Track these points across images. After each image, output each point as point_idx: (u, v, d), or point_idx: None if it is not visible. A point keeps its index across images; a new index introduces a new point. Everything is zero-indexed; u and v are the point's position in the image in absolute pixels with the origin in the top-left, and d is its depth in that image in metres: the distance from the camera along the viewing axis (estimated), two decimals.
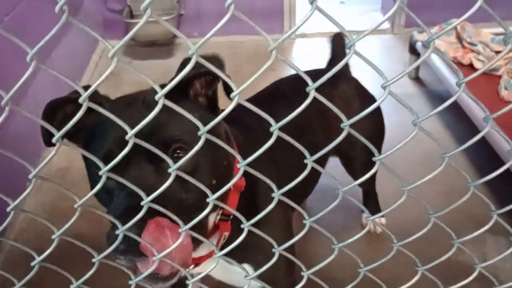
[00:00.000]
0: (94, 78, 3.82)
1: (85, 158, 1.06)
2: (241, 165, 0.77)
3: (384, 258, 0.89)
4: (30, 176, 0.76)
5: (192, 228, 0.86)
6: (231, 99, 0.99)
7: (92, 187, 1.03)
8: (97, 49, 4.12)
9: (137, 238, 0.84)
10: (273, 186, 0.82)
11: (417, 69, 3.63)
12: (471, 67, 3.06)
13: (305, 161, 0.79)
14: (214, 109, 1.09)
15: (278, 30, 4.34)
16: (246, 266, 1.23)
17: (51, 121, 1.03)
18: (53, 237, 0.83)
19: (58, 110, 1.07)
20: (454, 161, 0.80)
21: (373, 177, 2.09)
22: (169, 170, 0.77)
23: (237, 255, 1.03)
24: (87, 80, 3.73)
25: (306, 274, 0.89)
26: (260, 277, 1.03)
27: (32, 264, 0.87)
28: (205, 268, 1.02)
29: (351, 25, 4.52)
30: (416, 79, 3.63)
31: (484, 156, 2.75)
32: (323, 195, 1.98)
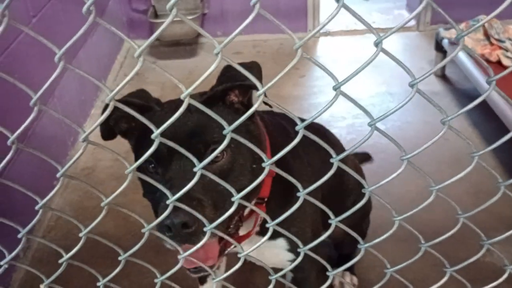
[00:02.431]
0: (119, 78, 3.86)
1: (136, 154, 1.20)
2: (266, 164, 0.78)
3: (411, 259, 0.88)
4: (58, 175, 0.77)
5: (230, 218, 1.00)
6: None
7: (140, 182, 1.15)
8: (122, 50, 4.17)
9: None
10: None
11: (443, 66, 3.57)
12: (499, 64, 3.00)
13: (332, 160, 0.79)
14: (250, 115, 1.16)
15: (302, 29, 4.33)
16: (281, 240, 1.33)
17: (107, 119, 1.17)
18: (80, 235, 0.84)
19: (115, 110, 1.14)
20: (482, 160, 0.78)
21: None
22: (194, 169, 0.78)
23: (275, 231, 1.10)
24: (112, 80, 3.78)
25: (331, 274, 0.89)
26: (293, 250, 1.25)
27: (60, 261, 0.88)
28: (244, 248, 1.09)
29: (376, 23, 4.49)
30: (442, 76, 3.58)
31: None
32: None
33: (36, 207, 0.81)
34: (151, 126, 0.75)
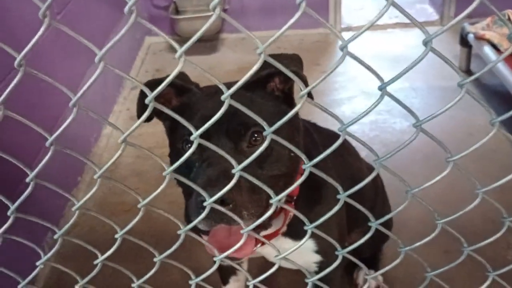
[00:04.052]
0: (141, 74, 3.87)
1: (170, 135, 1.22)
2: (306, 166, 0.77)
3: (452, 263, 0.86)
4: (95, 176, 0.77)
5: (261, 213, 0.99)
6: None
7: (172, 162, 1.10)
8: (143, 46, 4.17)
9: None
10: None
11: (468, 61, 3.50)
12: None
13: (372, 162, 0.77)
14: (290, 103, 1.17)
15: (323, 24, 4.28)
16: (309, 241, 1.28)
17: (145, 98, 1.14)
18: (116, 236, 0.83)
19: (153, 89, 1.14)
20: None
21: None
22: (233, 171, 0.77)
23: (301, 232, 1.10)
24: (134, 76, 3.78)
25: (369, 277, 0.87)
26: (320, 252, 1.31)
27: (96, 262, 0.88)
28: (268, 248, 1.09)
29: (398, 17, 4.42)
30: (467, 71, 3.51)
31: None
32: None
33: (73, 209, 0.81)
34: (191, 129, 0.74)
